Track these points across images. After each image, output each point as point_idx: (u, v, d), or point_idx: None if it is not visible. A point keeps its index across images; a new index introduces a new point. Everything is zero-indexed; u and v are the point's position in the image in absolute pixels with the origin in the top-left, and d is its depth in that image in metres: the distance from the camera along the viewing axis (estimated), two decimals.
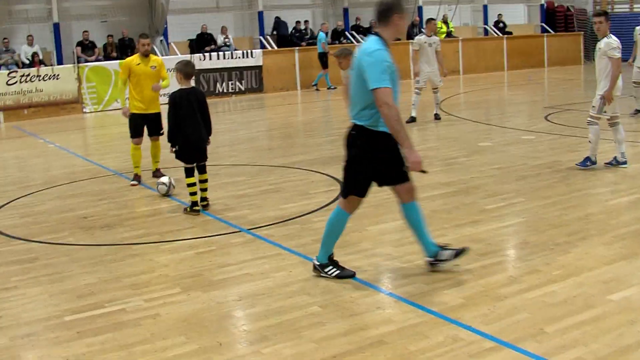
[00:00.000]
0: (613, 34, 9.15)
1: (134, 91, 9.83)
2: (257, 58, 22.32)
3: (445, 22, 27.91)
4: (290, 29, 24.88)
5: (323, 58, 22.48)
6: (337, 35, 25.23)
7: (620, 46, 9.04)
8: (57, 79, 19.03)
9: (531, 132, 12.64)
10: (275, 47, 23.76)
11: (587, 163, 9.40)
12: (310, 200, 8.54)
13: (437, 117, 14.90)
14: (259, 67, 22.38)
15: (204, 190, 8.33)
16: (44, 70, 19.05)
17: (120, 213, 8.36)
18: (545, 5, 30.79)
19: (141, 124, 9.89)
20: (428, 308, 5.10)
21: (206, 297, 5.57)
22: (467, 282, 5.58)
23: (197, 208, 8.17)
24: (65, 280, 6.08)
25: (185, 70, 8.16)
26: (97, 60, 20.60)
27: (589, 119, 9.32)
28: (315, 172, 10.10)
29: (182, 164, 8.21)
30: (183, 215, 8.06)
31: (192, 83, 8.36)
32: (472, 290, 5.40)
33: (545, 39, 28.90)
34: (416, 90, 14.74)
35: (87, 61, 20.28)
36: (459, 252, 5.84)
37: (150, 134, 10.01)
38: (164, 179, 9.03)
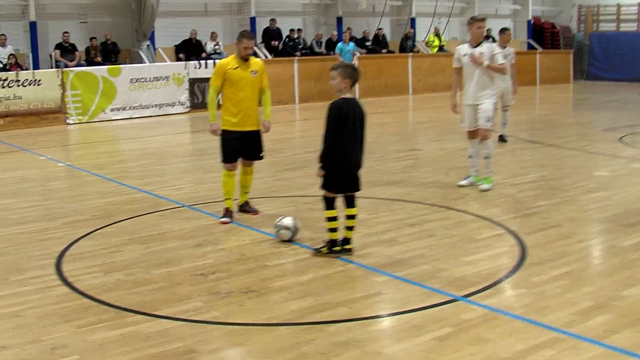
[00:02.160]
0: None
1: (228, 103, 7.63)
2: None
3: (437, 35, 26.37)
4: (284, 38, 22.74)
5: None
6: (332, 45, 23.23)
7: None
8: (39, 85, 16.34)
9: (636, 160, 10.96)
10: (269, 57, 21.53)
11: None
12: (490, 250, 6.54)
13: (502, 138, 13.08)
14: None
15: (349, 228, 6.35)
16: (23, 74, 16.32)
17: (247, 268, 6.10)
18: (532, 21, 29.65)
19: (237, 145, 7.66)
20: None
21: None
22: None
23: (337, 249, 6.27)
24: None
25: (354, 75, 6.20)
26: (78, 65, 17.97)
27: None
28: (444, 207, 8.09)
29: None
30: (346, 275, 5.90)
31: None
32: None
33: (538, 56, 27.69)
34: None
35: (67, 66, 17.62)
36: None
37: (245, 157, 7.79)
38: (288, 222, 6.80)
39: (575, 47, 30.02)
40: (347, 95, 6.17)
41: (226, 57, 20.15)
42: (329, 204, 6.28)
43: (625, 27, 29.55)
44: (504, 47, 12.84)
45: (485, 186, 8.94)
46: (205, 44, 20.92)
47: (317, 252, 6.36)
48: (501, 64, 8.96)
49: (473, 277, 5.74)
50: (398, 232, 7.10)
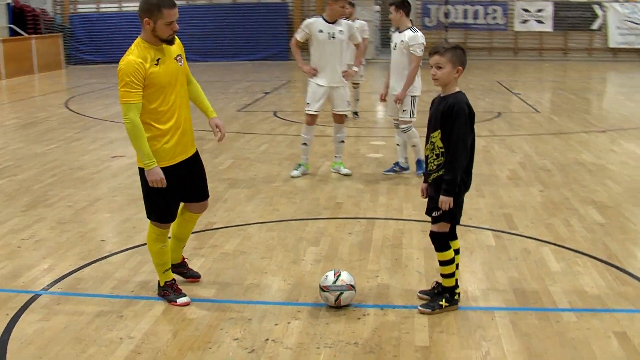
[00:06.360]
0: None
1: (154, 122, 4.71)
2: None
3: None
4: None
5: None
6: None
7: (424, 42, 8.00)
8: None
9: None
10: None
11: (396, 168, 8.68)
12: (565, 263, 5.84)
13: None
14: None
15: (456, 267, 4.96)
16: None
17: None
18: (12, 4, 26.65)
19: (177, 189, 4.92)
20: None
21: None
22: None
23: (456, 297, 4.85)
24: None
25: (465, 62, 4.61)
26: None
27: (402, 126, 8.30)
28: (384, 219, 6.87)
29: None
30: (558, 331, 4.60)
31: None
32: None
33: (33, 42, 25.14)
34: None
35: None
36: None
37: (190, 199, 5.14)
38: (347, 277, 4.87)
39: (57, 31, 28.22)
40: (457, 89, 4.65)
41: None
42: (446, 242, 4.75)
43: (105, 7, 29.19)
44: None
45: (347, 170, 8.68)
46: None
47: (435, 308, 4.75)
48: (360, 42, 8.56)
49: None
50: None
